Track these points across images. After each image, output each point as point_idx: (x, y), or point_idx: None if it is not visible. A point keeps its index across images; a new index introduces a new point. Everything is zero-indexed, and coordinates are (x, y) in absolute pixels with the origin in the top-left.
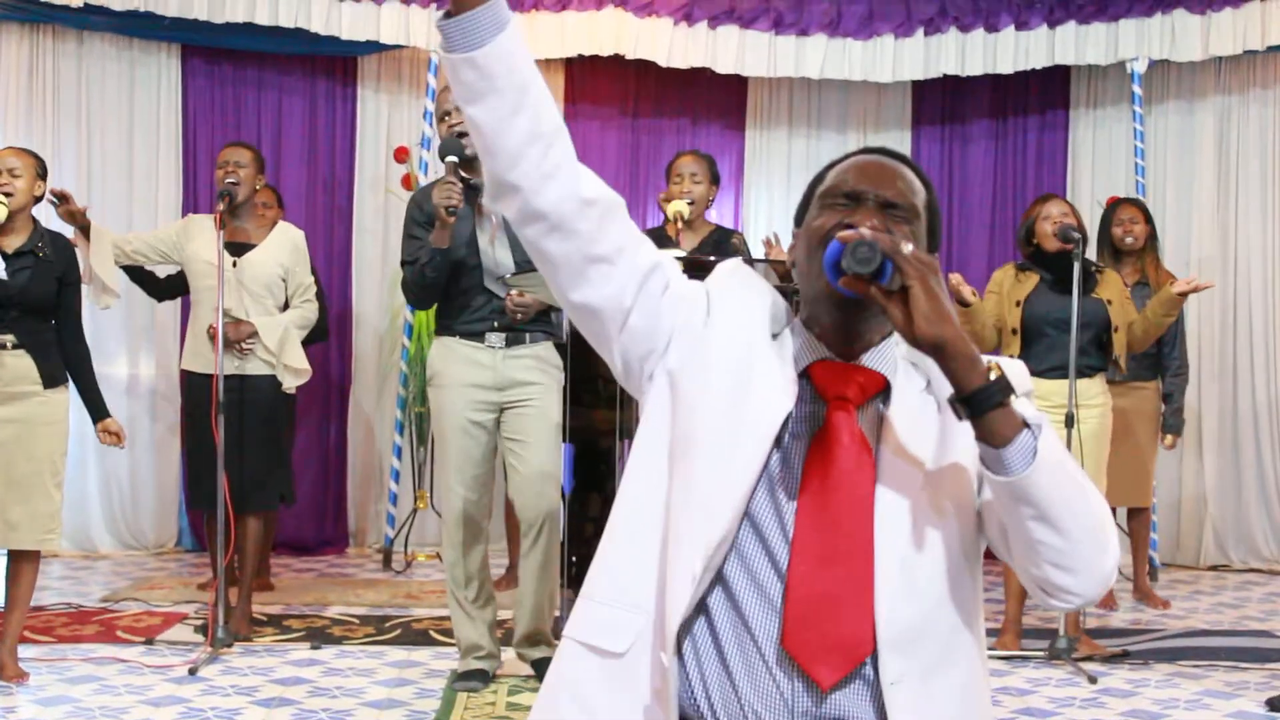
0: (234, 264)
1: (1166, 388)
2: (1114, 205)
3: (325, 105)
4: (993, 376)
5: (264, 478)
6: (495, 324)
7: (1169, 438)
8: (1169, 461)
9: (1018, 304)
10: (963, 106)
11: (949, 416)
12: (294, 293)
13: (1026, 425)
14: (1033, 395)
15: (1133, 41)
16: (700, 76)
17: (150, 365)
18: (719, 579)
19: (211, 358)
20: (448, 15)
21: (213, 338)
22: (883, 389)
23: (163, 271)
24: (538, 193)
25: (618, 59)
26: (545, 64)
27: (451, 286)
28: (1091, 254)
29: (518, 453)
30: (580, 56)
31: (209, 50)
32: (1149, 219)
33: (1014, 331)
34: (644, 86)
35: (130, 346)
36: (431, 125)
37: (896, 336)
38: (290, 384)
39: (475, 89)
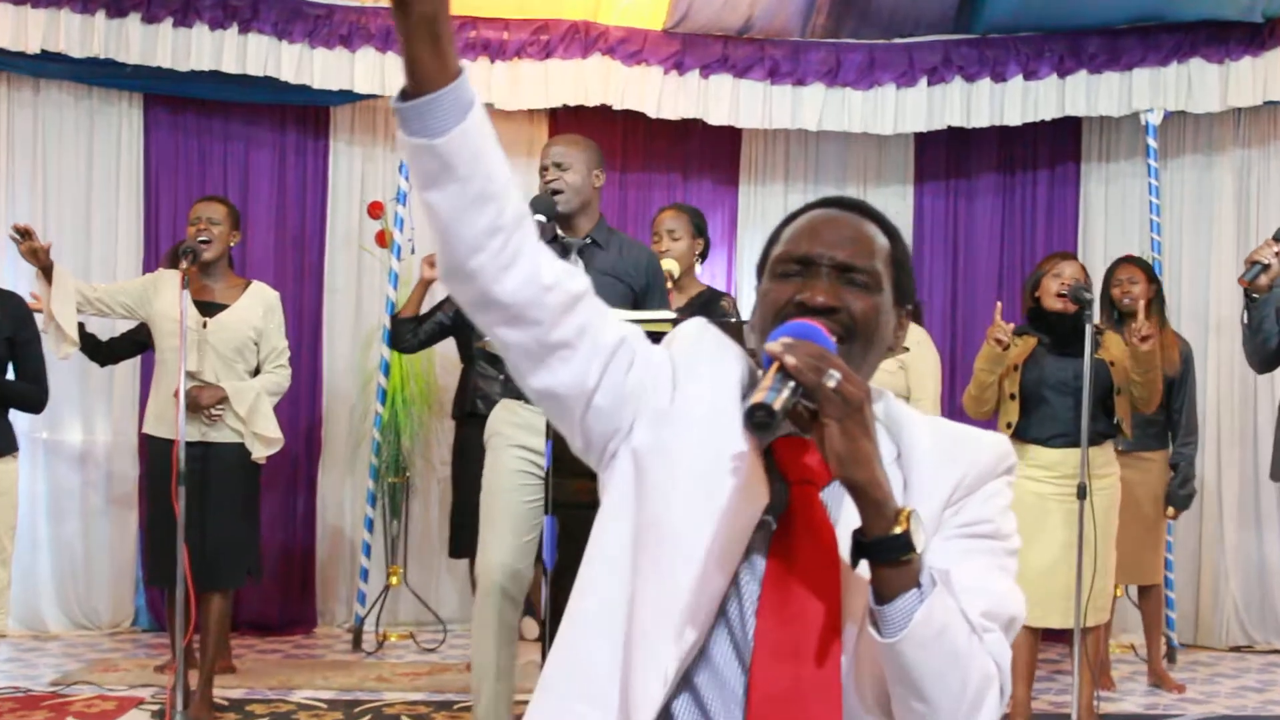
0: (204, 324)
1: (1173, 458)
2: (1114, 265)
3: (295, 157)
4: (897, 530)
5: (230, 552)
6: None
7: (1170, 510)
8: (1187, 534)
9: (1015, 368)
10: (968, 160)
11: (914, 488)
12: (266, 356)
13: (919, 585)
14: (1015, 469)
15: (1147, 92)
16: (692, 128)
17: (107, 430)
18: (684, 676)
19: (175, 422)
20: (404, 96)
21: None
22: None
23: (105, 334)
24: (496, 281)
25: (604, 110)
26: (528, 115)
27: None
28: (1099, 314)
29: None
30: (565, 107)
31: (172, 99)
32: (1151, 277)
33: (1012, 397)
34: (632, 139)
35: (85, 409)
36: (407, 179)
37: (885, 401)
38: (260, 454)
39: (434, 176)
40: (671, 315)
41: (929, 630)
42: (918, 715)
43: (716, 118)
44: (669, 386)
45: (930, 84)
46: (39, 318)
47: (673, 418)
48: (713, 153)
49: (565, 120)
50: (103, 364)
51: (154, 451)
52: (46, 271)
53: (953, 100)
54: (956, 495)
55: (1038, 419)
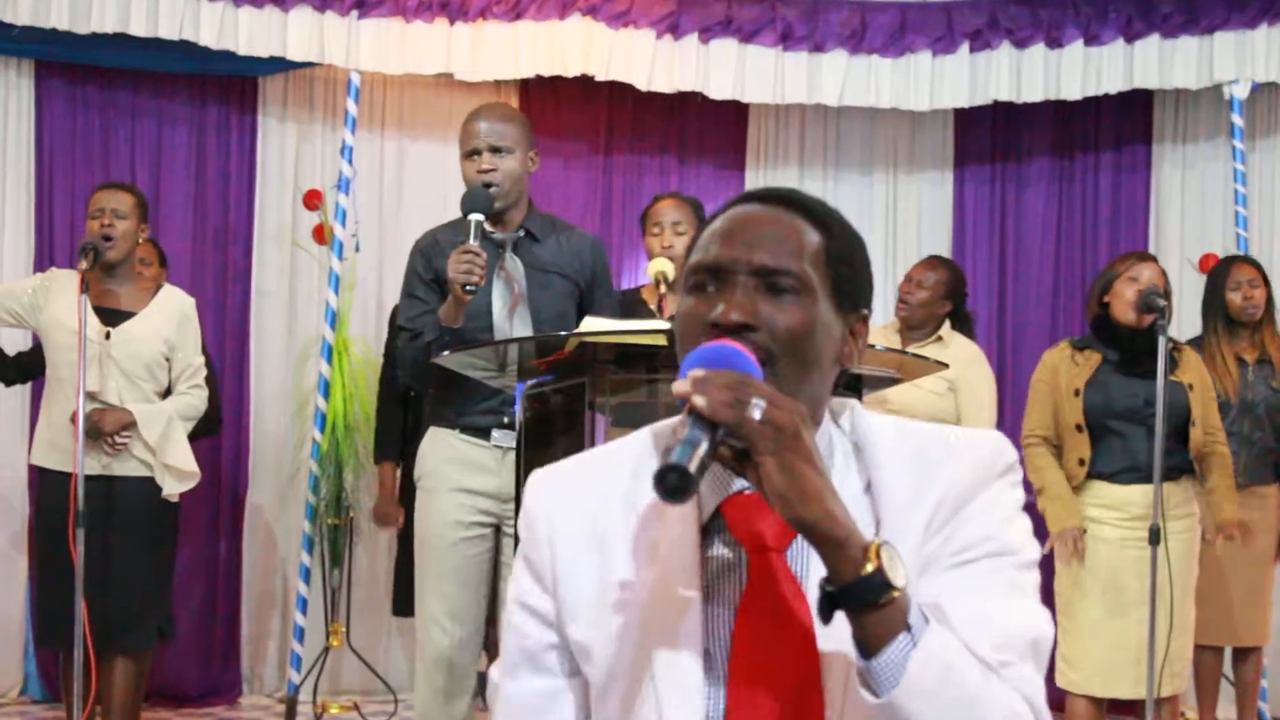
0: (107, 335)
1: None
2: (1227, 264)
3: (218, 137)
4: (868, 569)
5: (137, 608)
6: (505, 418)
7: None
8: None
9: (1077, 392)
10: (1018, 141)
11: (887, 523)
12: (179, 375)
13: (909, 627)
14: (1016, 467)
15: (1231, 60)
16: (689, 103)
17: None
18: None
19: (71, 452)
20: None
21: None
22: None
23: (12, 347)
24: None
25: (586, 81)
26: (495, 86)
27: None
28: (1175, 325)
29: None
30: (539, 77)
31: (70, 67)
32: (1267, 281)
33: (1079, 428)
34: (619, 115)
35: None
36: (350, 163)
37: (826, 423)
38: (173, 489)
39: None
40: (665, 326)
41: (929, 676)
42: None
43: (719, 91)
44: (550, 588)
45: (973, 50)
46: None
47: (565, 613)
48: (714, 132)
49: (539, 93)
50: (9, 382)
51: (46, 486)
52: None
53: (1000, 70)
54: (939, 519)
55: (1104, 451)
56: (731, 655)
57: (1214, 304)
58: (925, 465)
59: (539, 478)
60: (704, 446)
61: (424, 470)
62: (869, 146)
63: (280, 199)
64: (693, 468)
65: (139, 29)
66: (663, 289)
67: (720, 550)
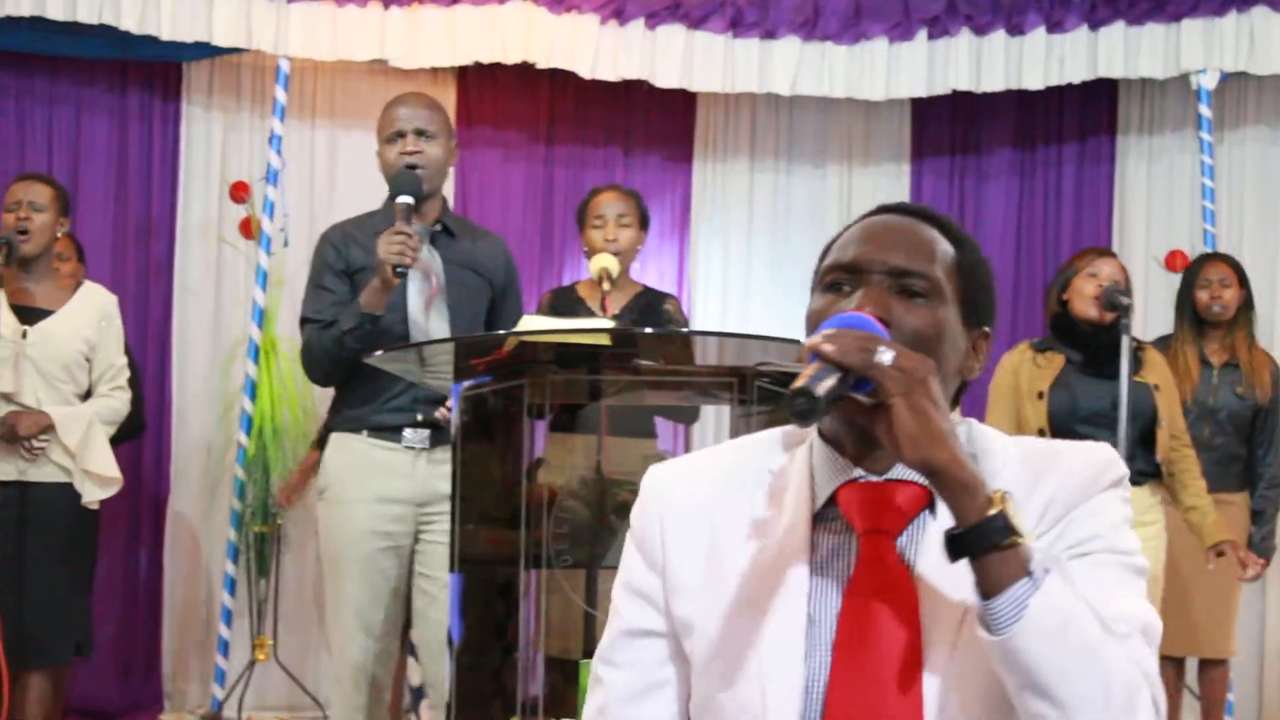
0: (23, 334)
1: (1257, 504)
2: (1200, 262)
3: (139, 126)
4: (991, 512)
5: (53, 621)
6: (418, 416)
7: (1253, 568)
8: (1247, 599)
9: (1040, 395)
10: (978, 132)
11: (1042, 545)
12: (100, 376)
13: (1030, 573)
14: (1125, 482)
15: (1199, 49)
16: (635, 92)
17: None
18: None
19: None
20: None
21: None
22: (929, 502)
23: None
24: None
25: (527, 68)
26: (431, 74)
27: (359, 366)
28: (1139, 323)
29: (431, 594)
30: (477, 65)
31: None
32: (1243, 281)
33: (1041, 433)
34: (561, 104)
35: None
36: (279, 153)
37: (963, 427)
38: (93, 496)
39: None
40: (607, 325)
41: (1050, 620)
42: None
43: (665, 79)
44: (659, 566)
45: (931, 37)
46: None
47: (671, 589)
48: (661, 122)
49: (477, 81)
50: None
51: None
52: None
53: (959, 58)
54: (1048, 519)
55: None
56: (837, 630)
57: (1184, 302)
58: (1036, 470)
59: (656, 467)
60: (831, 381)
61: (329, 481)
62: (822, 137)
63: (206, 191)
64: (820, 392)
65: (56, 12)
66: (606, 286)
67: (831, 535)
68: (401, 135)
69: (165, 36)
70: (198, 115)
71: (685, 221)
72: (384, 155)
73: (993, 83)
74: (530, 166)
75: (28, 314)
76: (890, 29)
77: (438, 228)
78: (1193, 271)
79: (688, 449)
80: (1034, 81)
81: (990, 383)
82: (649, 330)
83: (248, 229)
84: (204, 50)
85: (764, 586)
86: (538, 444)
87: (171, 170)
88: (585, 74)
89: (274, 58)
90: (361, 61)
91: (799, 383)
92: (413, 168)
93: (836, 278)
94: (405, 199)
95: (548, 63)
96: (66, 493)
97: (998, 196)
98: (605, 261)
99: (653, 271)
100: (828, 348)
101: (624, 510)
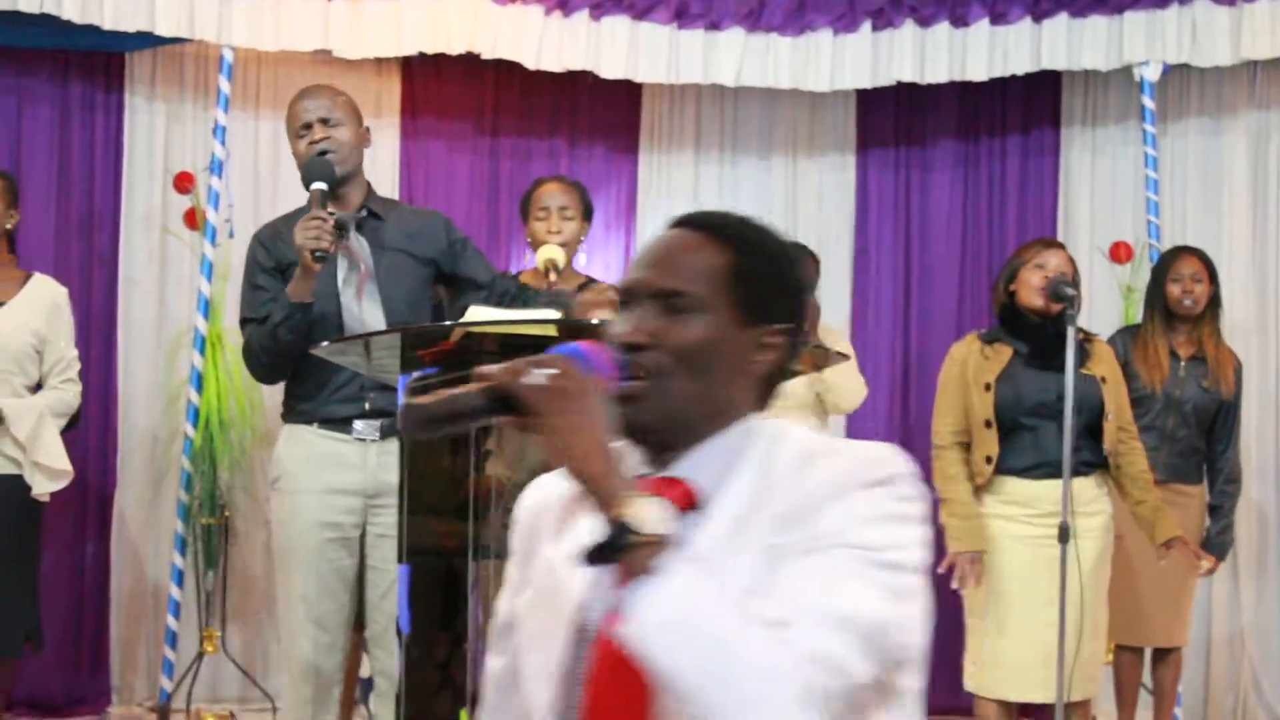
0: None
1: (1214, 498)
2: (1172, 255)
3: (81, 116)
4: (617, 517)
5: (2, 612)
6: (366, 405)
7: (1206, 562)
8: (1198, 588)
9: (988, 387)
10: (922, 124)
11: (781, 541)
12: (50, 369)
13: (653, 573)
14: (898, 480)
15: (1142, 41)
16: (580, 83)
17: None
18: None
19: None
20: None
21: None
22: (695, 501)
23: None
24: None
25: (471, 59)
26: (376, 65)
27: (305, 357)
28: (1085, 315)
29: (381, 586)
30: (422, 55)
31: None
32: (1214, 277)
33: (988, 424)
34: (506, 95)
35: None
36: (223, 144)
37: (739, 427)
38: (44, 489)
39: None
40: (555, 316)
41: (667, 616)
42: (698, 715)
43: (610, 70)
44: (519, 563)
45: (875, 29)
46: None
47: (514, 587)
48: (606, 113)
49: (421, 71)
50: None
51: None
52: None
53: (903, 50)
54: (793, 516)
55: (1014, 448)
56: (600, 624)
57: (1154, 295)
58: (800, 468)
59: (539, 478)
60: (464, 402)
61: (281, 471)
62: (767, 129)
63: (149, 182)
64: (418, 401)
65: None
66: (553, 277)
67: None
68: (308, 127)
69: (107, 26)
70: (141, 105)
71: (631, 212)
72: (296, 150)
73: (937, 74)
74: (475, 157)
75: None
76: (834, 20)
77: (363, 213)
78: (1164, 265)
79: None
80: (978, 73)
81: (939, 373)
82: (596, 320)
83: (192, 220)
84: (147, 40)
85: (551, 588)
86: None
87: (115, 161)
88: (530, 65)
89: (217, 48)
90: (306, 52)
91: (421, 399)
92: (323, 154)
93: (622, 299)
94: (319, 185)
95: (492, 53)
96: (15, 484)
97: (943, 188)
98: (551, 253)
99: (599, 263)
100: (484, 369)
101: None
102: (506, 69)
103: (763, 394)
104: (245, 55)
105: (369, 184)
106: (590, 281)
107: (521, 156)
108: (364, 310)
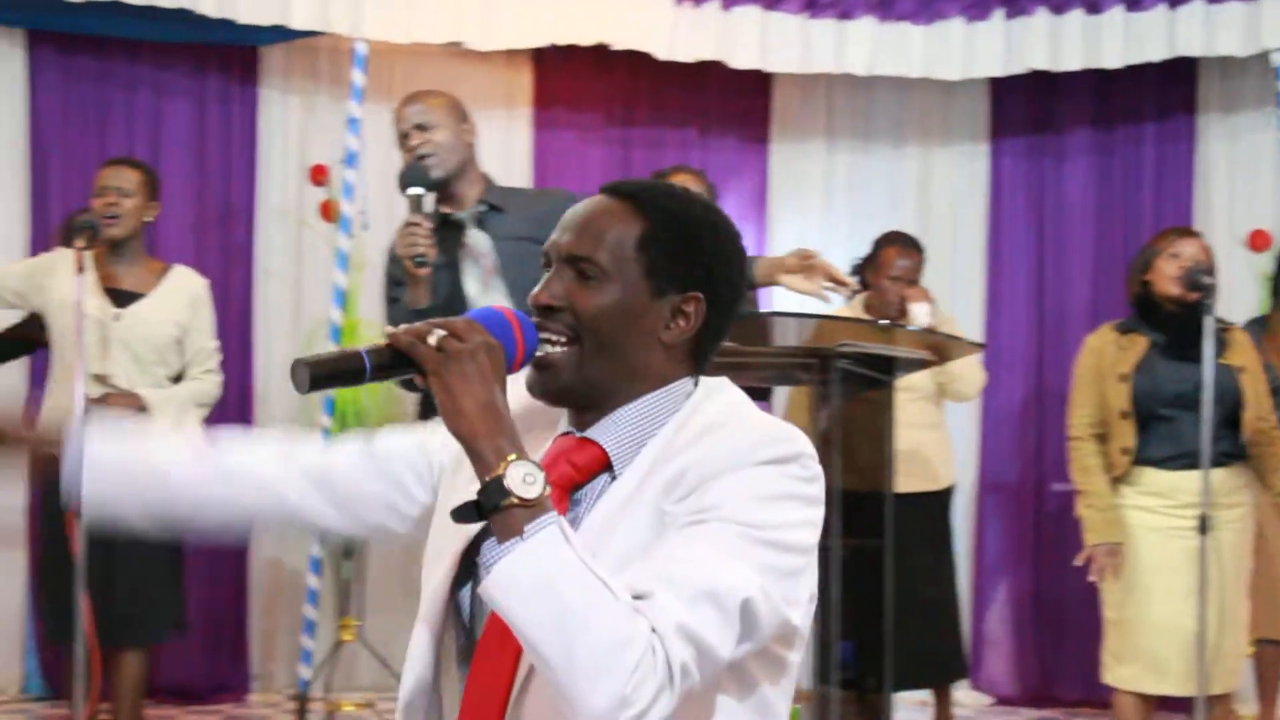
0: (115, 317)
1: None
2: None
3: (218, 109)
4: (490, 477)
5: (149, 600)
6: None
7: None
8: None
9: (1124, 378)
10: (1057, 112)
11: (671, 508)
12: (191, 359)
13: (522, 535)
14: (792, 459)
15: None
16: (711, 73)
17: None
18: None
19: None
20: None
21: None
22: (608, 463)
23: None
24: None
25: (602, 50)
26: (506, 57)
27: None
28: (1223, 304)
29: None
30: (553, 47)
31: (63, 37)
32: None
33: (1124, 415)
34: (637, 86)
35: None
36: (358, 136)
37: (661, 393)
38: None
39: None
40: None
41: (521, 578)
42: (548, 679)
43: (741, 60)
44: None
45: (1009, 16)
46: None
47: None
48: (737, 103)
49: (552, 63)
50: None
51: (49, 474)
52: None
53: (1036, 37)
54: (682, 487)
55: (1153, 439)
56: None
57: None
58: (699, 438)
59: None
60: (351, 360)
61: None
62: (899, 118)
63: (284, 175)
64: (311, 359)
65: None
66: None
67: None
68: (406, 135)
69: (242, 20)
70: (275, 99)
71: (762, 203)
72: (403, 161)
73: (1070, 61)
74: (607, 148)
75: (119, 297)
76: (967, 8)
77: (482, 208)
78: None
79: None
80: (1112, 60)
81: (1074, 360)
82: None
83: (327, 212)
84: (281, 34)
85: (445, 530)
86: None
87: (250, 154)
88: (660, 56)
89: (350, 41)
90: (437, 44)
91: (308, 356)
92: (421, 159)
93: (543, 262)
94: (415, 190)
95: (623, 44)
96: None
97: (1076, 176)
98: None
99: None
100: (387, 329)
101: None
102: (637, 59)
103: (693, 359)
104: (378, 48)
105: (486, 177)
106: None
107: (653, 149)
108: (490, 302)
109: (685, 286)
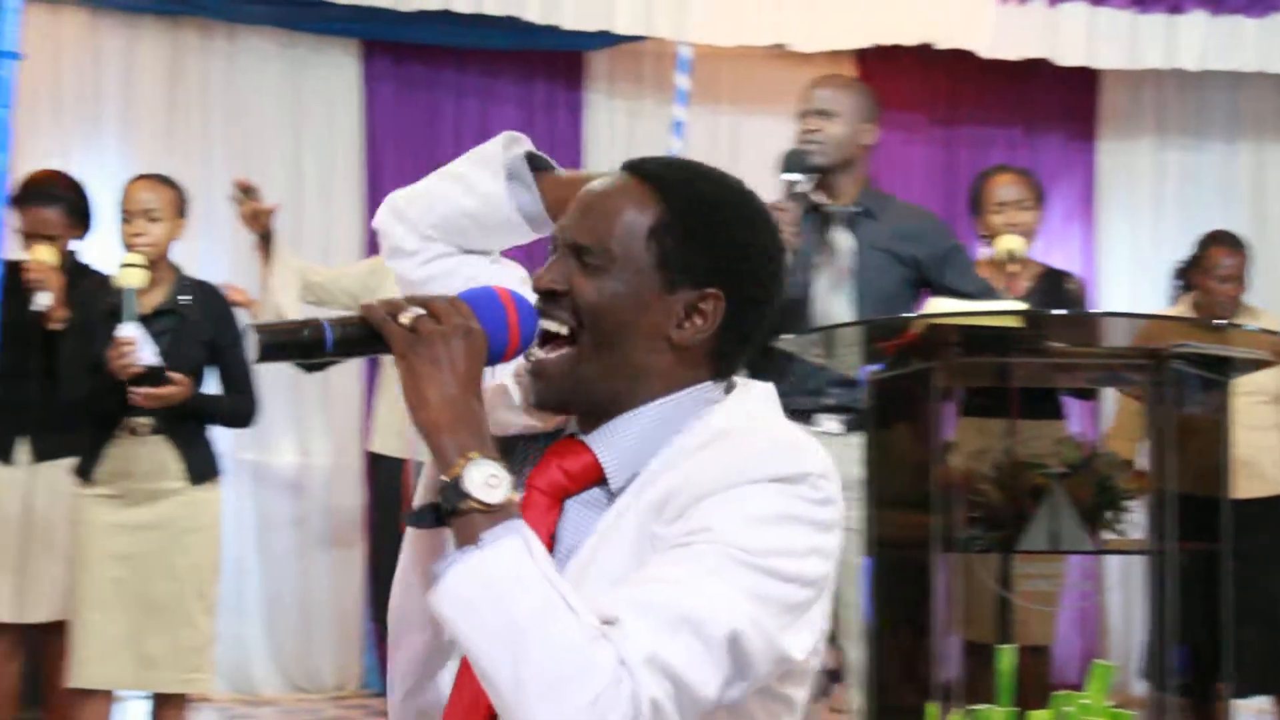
0: None
1: None
2: None
3: (544, 114)
4: (446, 479)
5: None
6: (829, 400)
7: None
8: None
9: None
10: None
11: (661, 530)
12: None
13: (478, 543)
14: (800, 479)
15: None
16: (1036, 71)
17: (325, 450)
18: None
19: (409, 438)
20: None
21: None
22: (602, 478)
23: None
24: None
25: (925, 50)
26: (830, 58)
27: (767, 350)
28: None
29: (847, 579)
30: (877, 47)
31: (396, 46)
32: None
33: None
34: (961, 85)
35: (299, 425)
36: (682, 139)
37: (668, 399)
38: None
39: None
40: (1018, 306)
41: (468, 589)
42: (496, 709)
43: (1068, 57)
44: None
45: None
46: (241, 313)
47: None
48: (1064, 101)
49: (875, 63)
50: (311, 369)
51: (383, 474)
52: (265, 240)
53: None
54: (674, 506)
55: None
56: None
57: None
58: (699, 450)
59: None
60: (307, 332)
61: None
62: (1233, 114)
63: None
64: (264, 325)
65: (463, 5)
66: (1014, 268)
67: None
68: (804, 116)
69: (568, 26)
70: (600, 103)
71: (1089, 202)
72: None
73: None
74: (930, 149)
75: None
76: None
77: (857, 209)
78: None
79: (1098, 430)
80: None
81: None
82: (1060, 312)
83: None
84: (606, 39)
85: None
86: (948, 425)
87: (576, 159)
88: (984, 54)
89: (674, 45)
90: (761, 47)
91: (263, 324)
92: (806, 144)
93: (551, 244)
94: (789, 175)
95: (947, 43)
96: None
97: None
98: (1011, 243)
99: (1058, 253)
100: (369, 302)
101: (1038, 494)
102: (960, 57)
103: (713, 363)
104: (702, 51)
105: (868, 180)
106: (1048, 270)
107: (977, 147)
108: (830, 301)
109: (703, 281)
